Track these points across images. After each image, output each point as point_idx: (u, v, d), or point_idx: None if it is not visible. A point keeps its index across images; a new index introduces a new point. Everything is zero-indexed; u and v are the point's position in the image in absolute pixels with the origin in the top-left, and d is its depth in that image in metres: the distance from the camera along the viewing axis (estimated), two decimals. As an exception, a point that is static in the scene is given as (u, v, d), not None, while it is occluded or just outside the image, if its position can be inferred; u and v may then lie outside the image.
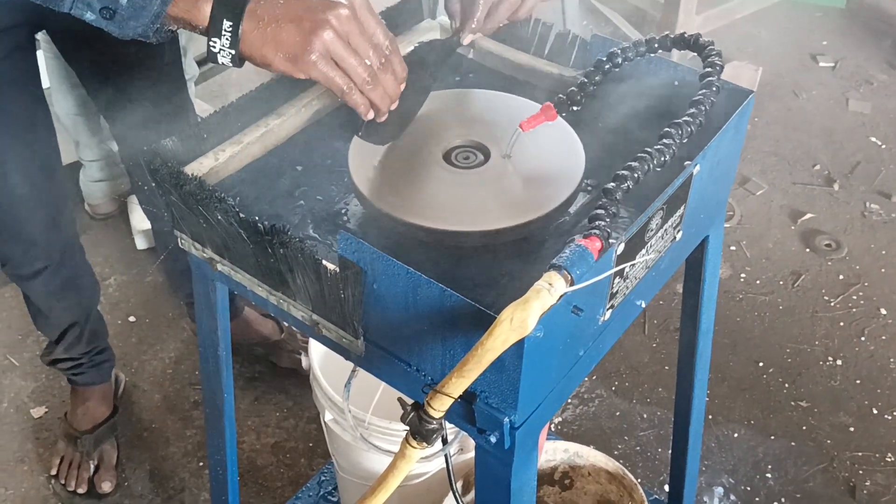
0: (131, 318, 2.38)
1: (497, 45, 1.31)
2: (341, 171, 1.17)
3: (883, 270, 2.55)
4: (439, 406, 0.86)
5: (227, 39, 0.92)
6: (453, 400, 0.85)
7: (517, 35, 1.30)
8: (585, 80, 1.10)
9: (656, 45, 1.11)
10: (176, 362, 2.28)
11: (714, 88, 1.03)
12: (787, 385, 2.24)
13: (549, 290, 0.80)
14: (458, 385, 0.84)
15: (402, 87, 1.05)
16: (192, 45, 2.45)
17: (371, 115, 1.04)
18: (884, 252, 2.60)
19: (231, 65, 0.95)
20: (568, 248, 0.84)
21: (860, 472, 2.05)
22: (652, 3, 3.31)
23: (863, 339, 2.35)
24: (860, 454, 2.08)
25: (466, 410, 0.92)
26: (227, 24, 0.91)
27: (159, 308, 2.42)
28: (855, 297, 2.47)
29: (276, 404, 2.18)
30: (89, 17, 0.90)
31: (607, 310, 0.97)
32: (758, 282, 2.52)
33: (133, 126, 1.61)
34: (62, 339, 1.92)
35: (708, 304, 1.33)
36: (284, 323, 2.23)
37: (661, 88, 1.18)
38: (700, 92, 1.03)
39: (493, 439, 0.91)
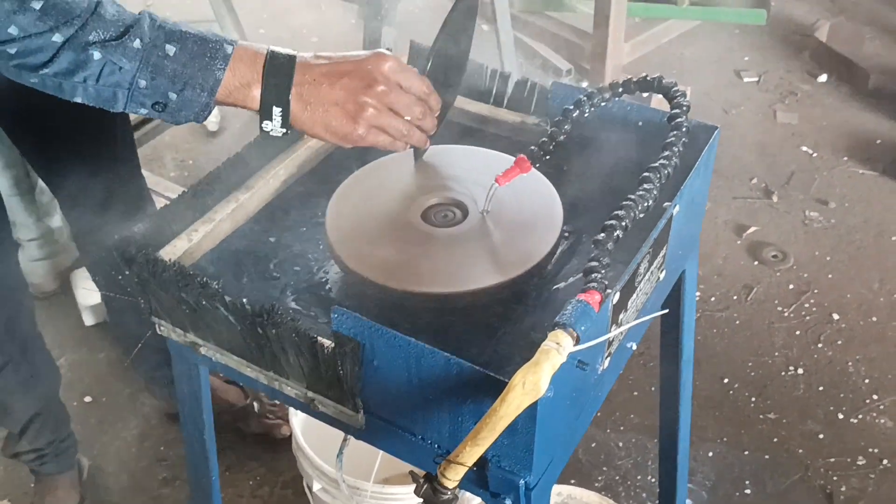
0: (87, 399, 2.30)
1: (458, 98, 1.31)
2: (315, 238, 1.15)
3: (830, 276, 2.61)
4: (454, 476, 0.84)
5: (278, 122, 1.00)
6: (468, 469, 0.83)
7: (475, 86, 1.31)
8: (556, 129, 1.11)
9: (621, 90, 1.12)
10: (140, 440, 2.20)
11: (684, 129, 1.05)
12: (753, 399, 2.27)
13: (557, 349, 0.80)
14: (472, 454, 0.82)
15: (437, 115, 1.09)
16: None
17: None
18: (828, 258, 2.67)
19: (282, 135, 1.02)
20: (570, 305, 0.83)
21: (835, 478, 2.08)
22: (579, 34, 3.37)
23: (820, 345, 2.40)
24: (833, 460, 2.12)
25: (479, 475, 0.91)
26: (276, 109, 0.99)
27: (115, 385, 2.34)
28: (807, 305, 2.52)
29: (249, 472, 2.12)
30: (143, 111, 0.97)
31: (605, 358, 0.97)
32: (713, 298, 2.56)
33: (90, 208, 1.56)
34: (25, 431, 1.84)
35: (688, 333, 1.34)
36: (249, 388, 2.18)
37: (625, 128, 1.19)
38: (671, 134, 1.04)
39: (508, 502, 0.90)
